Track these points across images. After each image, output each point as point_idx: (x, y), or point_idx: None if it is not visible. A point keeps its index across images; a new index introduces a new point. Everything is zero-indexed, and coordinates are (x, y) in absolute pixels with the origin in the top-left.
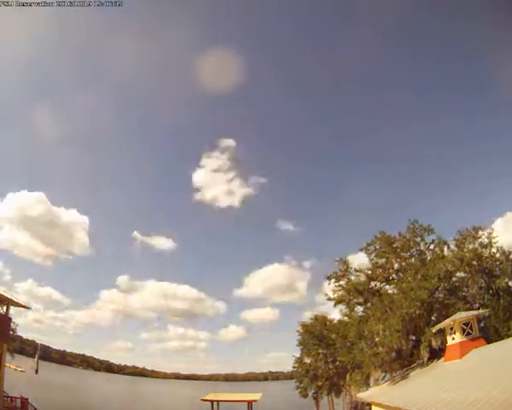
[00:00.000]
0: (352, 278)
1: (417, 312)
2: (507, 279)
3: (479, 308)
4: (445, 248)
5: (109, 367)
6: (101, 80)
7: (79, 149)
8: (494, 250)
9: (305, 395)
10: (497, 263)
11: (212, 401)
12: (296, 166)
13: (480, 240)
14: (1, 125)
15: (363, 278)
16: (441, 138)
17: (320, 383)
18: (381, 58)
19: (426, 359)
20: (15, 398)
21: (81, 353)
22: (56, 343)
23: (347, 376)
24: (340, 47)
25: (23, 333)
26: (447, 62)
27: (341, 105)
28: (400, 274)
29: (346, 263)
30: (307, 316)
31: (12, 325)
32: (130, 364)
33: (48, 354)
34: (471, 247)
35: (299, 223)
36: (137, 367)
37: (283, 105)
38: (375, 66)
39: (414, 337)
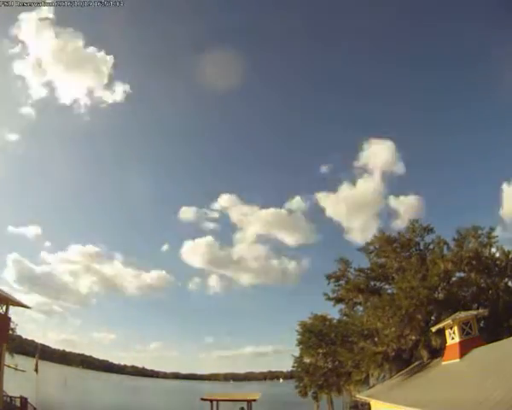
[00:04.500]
0: (351, 277)
1: (417, 311)
2: (506, 279)
3: (478, 308)
4: (445, 248)
5: (109, 367)
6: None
7: None
8: (494, 250)
9: (305, 395)
10: (497, 263)
11: (211, 401)
12: None
13: (479, 240)
14: None
15: (362, 277)
16: None
17: (320, 383)
18: (377, 61)
19: (425, 358)
20: (15, 398)
21: (81, 352)
22: None
23: (347, 375)
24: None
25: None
26: None
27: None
28: (400, 274)
29: (345, 263)
30: None
31: (11, 324)
32: (129, 363)
33: (48, 354)
34: (471, 246)
35: None
36: (137, 367)
37: None
38: (373, 69)
39: (414, 337)
